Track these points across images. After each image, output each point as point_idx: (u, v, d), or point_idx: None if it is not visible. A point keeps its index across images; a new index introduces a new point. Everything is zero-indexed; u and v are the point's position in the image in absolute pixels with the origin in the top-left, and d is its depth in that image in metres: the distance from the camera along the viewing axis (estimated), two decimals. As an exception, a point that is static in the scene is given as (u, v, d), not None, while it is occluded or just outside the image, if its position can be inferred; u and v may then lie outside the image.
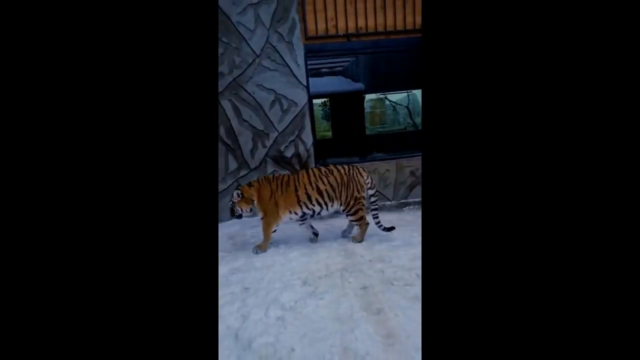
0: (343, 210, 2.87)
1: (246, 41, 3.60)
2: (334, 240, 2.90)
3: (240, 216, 2.88)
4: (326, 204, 2.83)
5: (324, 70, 4.79)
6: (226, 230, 3.49)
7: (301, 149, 3.92)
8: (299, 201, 2.78)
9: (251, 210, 2.85)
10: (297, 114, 3.84)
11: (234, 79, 3.65)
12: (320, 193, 2.79)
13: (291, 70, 3.74)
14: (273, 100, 3.77)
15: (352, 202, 2.82)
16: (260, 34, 3.62)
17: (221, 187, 3.76)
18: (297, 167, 3.94)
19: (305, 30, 3.74)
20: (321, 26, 3.81)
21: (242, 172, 3.84)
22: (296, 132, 3.88)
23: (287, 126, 3.85)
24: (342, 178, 2.83)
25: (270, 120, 3.80)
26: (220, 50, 3.58)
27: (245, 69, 3.65)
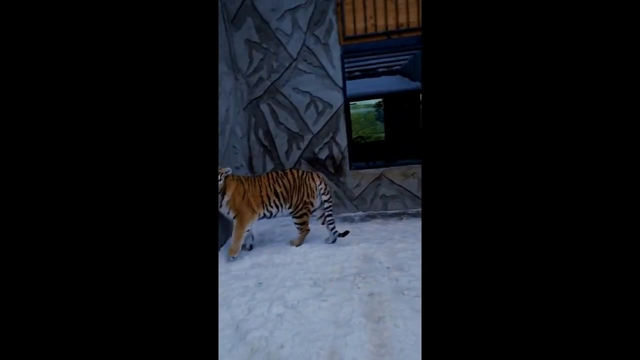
0: (290, 213, 2.92)
1: (283, 46, 3.75)
2: (356, 245, 2.83)
3: None
4: (281, 206, 2.89)
5: (381, 69, 4.67)
6: (256, 228, 3.67)
7: (335, 151, 3.92)
8: (262, 202, 2.84)
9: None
10: (331, 116, 3.85)
11: (272, 83, 3.83)
12: (276, 195, 2.87)
13: (327, 72, 3.77)
14: (308, 103, 3.84)
15: (300, 206, 2.88)
16: (297, 38, 3.73)
17: (258, 186, 3.95)
18: (331, 169, 3.95)
19: (343, 30, 3.74)
20: (360, 25, 3.77)
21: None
22: (330, 134, 3.89)
23: (322, 128, 3.88)
24: (294, 181, 2.90)
25: (305, 123, 3.88)
26: (260, 56, 3.78)
27: (283, 73, 3.80)
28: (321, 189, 2.91)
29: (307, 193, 2.88)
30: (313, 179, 2.92)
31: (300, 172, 2.96)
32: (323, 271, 2.38)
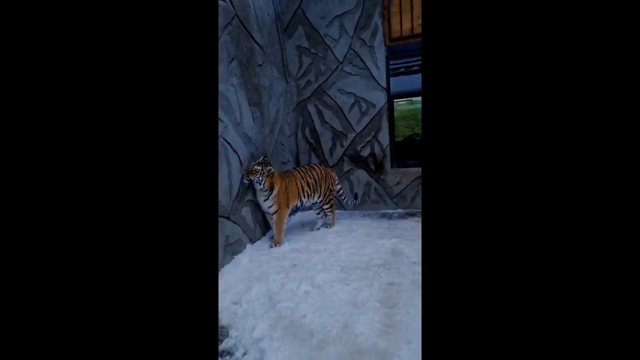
0: (320, 201, 3.44)
1: (331, 50, 3.99)
2: (388, 240, 2.97)
3: (247, 185, 2.86)
4: (312, 195, 3.35)
5: None
6: (300, 218, 4.01)
7: (377, 149, 4.05)
8: (298, 193, 3.21)
9: (261, 190, 2.90)
10: (374, 115, 3.99)
11: (319, 86, 4.11)
12: (309, 186, 3.30)
13: (371, 73, 3.91)
14: (352, 103, 4.04)
15: (327, 193, 3.47)
16: (344, 42, 3.94)
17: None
18: (372, 166, 4.09)
19: (389, 31, 3.84)
20: (406, 26, 3.82)
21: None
22: (372, 133, 4.03)
23: (365, 127, 4.05)
24: (321, 173, 3.42)
25: (349, 122, 4.08)
26: (309, 60, 4.09)
27: (329, 76, 4.05)
28: (336, 179, 3.63)
29: (331, 182, 3.52)
30: (332, 172, 3.60)
31: (323, 167, 3.49)
32: (351, 260, 2.59)
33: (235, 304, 2.08)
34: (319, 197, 3.41)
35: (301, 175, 3.29)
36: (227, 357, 1.62)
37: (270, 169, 2.94)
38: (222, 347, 1.70)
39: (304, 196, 3.28)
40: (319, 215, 3.56)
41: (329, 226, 3.52)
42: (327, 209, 3.52)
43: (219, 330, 1.85)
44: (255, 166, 2.85)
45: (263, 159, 2.93)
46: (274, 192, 2.99)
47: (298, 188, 3.22)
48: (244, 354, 1.63)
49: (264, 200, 3.00)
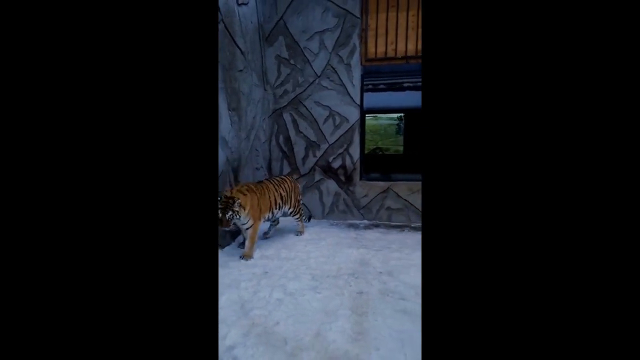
0: (290, 212, 3.53)
1: (310, 63, 4.12)
2: (356, 249, 3.11)
3: (229, 228, 2.73)
4: (282, 207, 3.38)
5: (406, 84, 4.87)
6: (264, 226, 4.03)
7: (348, 161, 4.22)
8: (270, 205, 3.18)
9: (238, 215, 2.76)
10: (347, 130, 4.17)
11: (296, 96, 4.20)
12: (281, 198, 3.33)
13: (346, 89, 4.10)
14: (327, 116, 4.18)
15: (296, 204, 3.58)
16: (323, 57, 4.09)
17: (274, 187, 4.32)
18: (342, 177, 4.25)
19: (365, 52, 4.07)
20: (381, 49, 4.08)
21: (293, 177, 4.34)
22: (345, 146, 4.20)
23: (337, 139, 4.20)
24: (291, 185, 3.50)
25: (323, 133, 4.22)
26: (288, 70, 4.17)
27: (306, 88, 4.16)
28: (300, 192, 3.80)
29: (298, 194, 3.65)
30: (298, 183, 3.73)
31: (291, 178, 3.60)
32: (322, 269, 2.68)
33: (206, 311, 2.06)
34: (289, 208, 3.49)
35: (275, 188, 3.30)
36: (200, 365, 1.61)
37: (236, 201, 2.70)
38: (193, 355, 1.69)
39: (276, 208, 3.28)
40: (274, 224, 3.62)
41: (299, 234, 3.62)
42: (297, 218, 3.65)
43: (190, 338, 1.82)
44: (227, 213, 2.66)
45: (222, 199, 2.70)
46: (247, 210, 2.85)
47: (270, 201, 3.17)
48: (217, 361, 1.63)
49: (238, 218, 2.84)
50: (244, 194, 2.84)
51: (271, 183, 3.30)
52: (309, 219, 4.00)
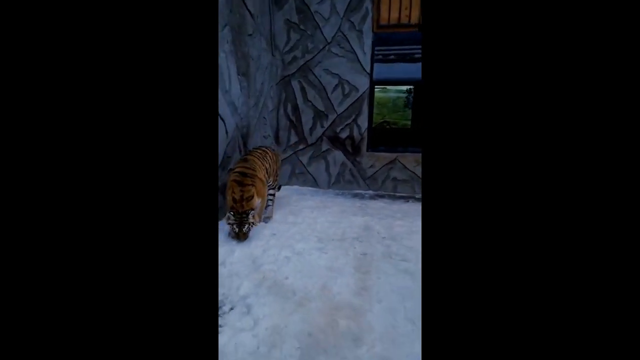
0: (270, 186, 3.09)
1: (320, 29, 4.01)
2: (361, 217, 3.21)
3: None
4: (267, 181, 3.03)
5: (417, 55, 4.65)
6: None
7: (355, 132, 4.23)
8: (265, 179, 2.90)
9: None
10: (356, 99, 4.13)
11: (305, 63, 4.13)
12: (267, 172, 2.98)
13: (357, 57, 4.02)
14: (336, 84, 4.13)
15: (276, 179, 3.28)
16: (334, 22, 3.97)
17: (283, 156, 4.36)
18: (349, 148, 4.28)
19: (378, 18, 3.94)
20: (394, 15, 3.94)
21: (300, 147, 4.38)
22: (353, 116, 4.19)
23: (346, 109, 4.18)
24: (273, 157, 3.18)
25: (331, 103, 4.19)
26: (297, 36, 4.07)
27: (316, 54, 4.08)
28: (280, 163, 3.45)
29: (279, 166, 3.40)
30: (279, 154, 3.45)
31: (272, 150, 3.26)
32: (327, 233, 2.79)
33: (220, 264, 2.19)
34: (268, 183, 3.10)
35: (261, 162, 2.91)
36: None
37: (250, 213, 2.51)
38: (209, 301, 1.83)
39: (267, 181, 3.04)
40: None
41: (267, 220, 3.05)
42: (271, 196, 3.15)
43: (205, 287, 1.96)
44: (244, 227, 2.47)
45: (235, 215, 2.47)
46: (258, 200, 2.68)
47: (263, 177, 2.86)
48: (231, 308, 1.77)
49: (253, 224, 2.63)
50: (253, 179, 2.60)
51: (257, 158, 2.89)
52: (279, 188, 3.62)
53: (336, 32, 3.99)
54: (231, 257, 2.29)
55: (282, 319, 1.65)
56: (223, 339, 1.51)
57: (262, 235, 2.68)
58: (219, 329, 1.59)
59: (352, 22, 3.95)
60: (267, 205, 3.10)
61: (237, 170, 2.62)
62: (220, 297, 1.87)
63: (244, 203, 2.46)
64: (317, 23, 4.00)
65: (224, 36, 2.75)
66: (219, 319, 1.68)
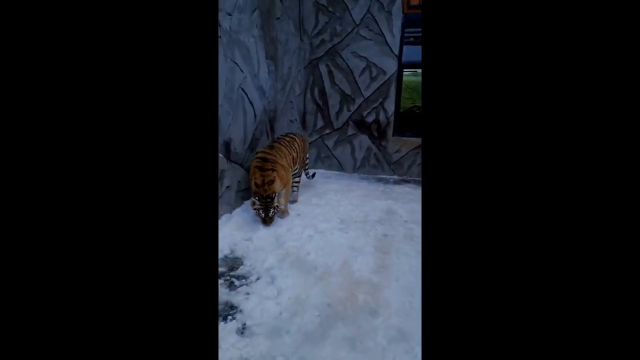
0: (295, 173, 3.15)
1: (349, 11, 3.95)
2: (384, 201, 3.24)
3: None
4: (293, 169, 3.07)
5: None
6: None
7: (382, 116, 4.19)
8: (289, 166, 2.94)
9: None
10: (384, 82, 4.07)
11: (332, 46, 4.11)
12: (293, 160, 3.03)
13: (385, 40, 3.93)
14: (364, 68, 4.09)
15: (304, 164, 3.40)
16: (363, 4, 3.89)
17: (309, 140, 4.42)
18: (375, 133, 4.26)
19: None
20: (426, -6, 3.79)
21: (326, 131, 4.42)
22: (380, 100, 4.14)
23: (373, 93, 4.14)
24: (300, 145, 3.24)
25: (358, 86, 4.16)
26: (326, 19, 4.04)
27: (344, 37, 4.05)
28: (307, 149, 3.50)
29: (306, 153, 3.44)
30: (306, 140, 3.49)
31: (299, 136, 3.31)
32: (350, 215, 2.86)
33: (247, 240, 2.34)
34: (295, 170, 3.16)
35: (287, 150, 2.96)
36: (243, 280, 1.90)
37: (274, 196, 2.57)
38: (237, 272, 1.98)
39: (292, 168, 3.07)
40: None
41: (292, 203, 3.13)
42: (296, 183, 3.21)
43: (234, 260, 2.12)
44: (269, 212, 2.55)
45: (260, 200, 2.52)
46: (280, 187, 2.72)
47: (286, 164, 2.88)
48: (258, 278, 1.91)
49: (277, 209, 2.70)
50: (274, 166, 2.65)
51: (283, 146, 2.95)
52: (313, 176, 3.71)
53: (365, 14, 3.92)
54: (257, 233, 2.43)
55: (303, 291, 1.76)
56: (250, 304, 1.66)
57: (290, 216, 2.80)
58: (246, 296, 1.74)
59: (382, 3, 3.85)
60: (292, 191, 3.19)
61: (259, 156, 2.71)
62: (247, 268, 2.02)
63: (265, 187, 2.51)
64: (345, 5, 3.94)
65: (254, 20, 2.81)
66: (246, 287, 1.82)
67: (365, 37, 3.99)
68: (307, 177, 3.56)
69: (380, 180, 4.11)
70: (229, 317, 1.57)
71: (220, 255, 2.15)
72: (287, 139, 3.10)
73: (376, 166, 4.36)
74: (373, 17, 3.90)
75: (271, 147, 2.87)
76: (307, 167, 3.63)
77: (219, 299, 1.70)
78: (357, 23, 3.97)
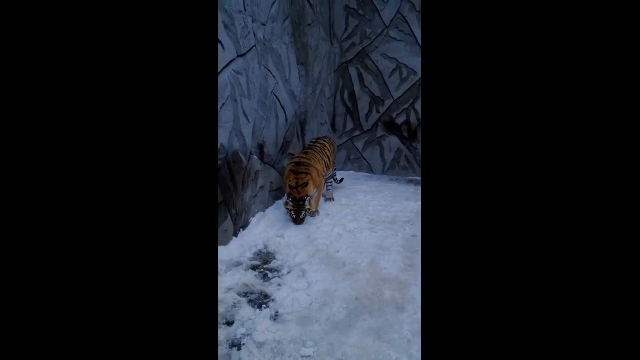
0: (329, 176, 3.29)
1: (379, 13, 3.99)
2: (414, 202, 3.22)
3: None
4: (326, 173, 3.16)
5: None
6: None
7: (412, 117, 4.16)
8: (322, 171, 3.00)
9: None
10: (414, 83, 4.05)
11: (363, 49, 4.17)
12: (326, 165, 3.14)
13: (416, 40, 3.92)
14: (394, 69, 4.10)
15: (332, 168, 3.40)
16: (393, 5, 3.91)
17: (339, 142, 4.50)
18: (405, 134, 4.24)
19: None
20: (459, -8, 3.73)
21: (356, 133, 4.47)
22: (410, 101, 4.12)
23: (403, 94, 4.13)
24: (331, 148, 3.35)
25: (388, 88, 4.18)
26: (356, 22, 4.11)
27: (374, 40, 4.09)
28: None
29: (335, 156, 3.53)
30: (334, 144, 3.57)
31: (330, 140, 3.45)
32: (379, 215, 2.89)
33: (279, 237, 2.47)
34: (329, 173, 3.31)
35: (320, 156, 3.05)
36: (276, 273, 2.02)
37: (306, 200, 2.63)
38: (270, 266, 2.11)
39: (325, 173, 3.18)
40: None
41: (330, 200, 3.29)
42: (330, 183, 3.38)
43: (268, 255, 2.25)
44: (301, 214, 2.62)
45: (293, 202, 2.60)
46: (313, 190, 2.77)
47: (320, 168, 2.96)
48: (289, 272, 2.02)
49: (310, 209, 2.76)
50: (307, 169, 2.73)
51: (316, 152, 3.05)
52: (341, 181, 3.75)
53: (395, 15, 3.93)
54: (289, 231, 2.55)
55: (332, 285, 1.84)
56: (282, 294, 1.77)
57: (320, 215, 2.90)
58: (279, 287, 1.85)
59: (413, 3, 3.84)
60: (327, 189, 3.34)
61: (294, 160, 2.84)
62: (279, 262, 2.14)
63: (299, 189, 2.59)
64: (375, 7, 3.99)
65: (285, 28, 2.96)
66: (279, 279, 1.94)
67: (395, 39, 4.00)
68: (336, 182, 3.64)
69: (410, 182, 4.08)
70: (264, 305, 1.70)
71: (255, 250, 2.30)
72: (318, 145, 3.24)
73: (406, 168, 4.33)
74: (404, 17, 3.91)
75: (305, 152, 3.04)
76: (334, 169, 3.71)
77: (254, 289, 1.83)
78: (387, 25, 4.00)
